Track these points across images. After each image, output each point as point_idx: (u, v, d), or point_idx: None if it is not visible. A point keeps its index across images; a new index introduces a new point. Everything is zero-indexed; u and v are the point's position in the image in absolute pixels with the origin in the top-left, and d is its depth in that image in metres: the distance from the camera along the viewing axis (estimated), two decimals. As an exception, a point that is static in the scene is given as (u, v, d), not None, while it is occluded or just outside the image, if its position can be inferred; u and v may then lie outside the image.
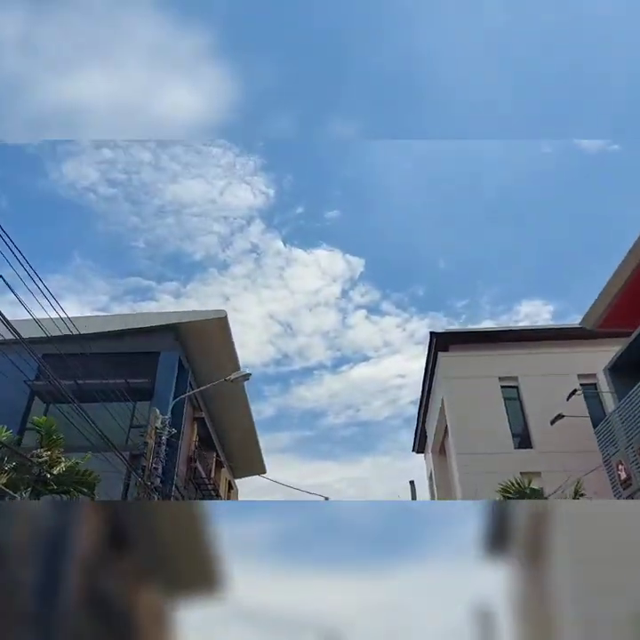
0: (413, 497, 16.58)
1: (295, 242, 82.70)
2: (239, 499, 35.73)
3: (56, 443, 10.22)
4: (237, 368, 26.24)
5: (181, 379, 22.83)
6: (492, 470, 15.76)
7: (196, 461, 24.67)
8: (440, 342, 18.82)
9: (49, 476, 9.54)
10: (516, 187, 62.32)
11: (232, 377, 13.07)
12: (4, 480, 9.13)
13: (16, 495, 8.95)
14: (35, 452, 9.90)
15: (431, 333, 18.76)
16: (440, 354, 18.94)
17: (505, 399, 17.94)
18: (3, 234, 6.75)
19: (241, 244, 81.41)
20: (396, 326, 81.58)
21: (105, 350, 20.89)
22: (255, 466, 36.63)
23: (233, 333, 24.90)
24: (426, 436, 24.16)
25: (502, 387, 18.04)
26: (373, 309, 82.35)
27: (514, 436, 17.40)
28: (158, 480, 9.17)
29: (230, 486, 33.23)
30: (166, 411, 21.14)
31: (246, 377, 13.56)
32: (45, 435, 10.04)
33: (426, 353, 20.58)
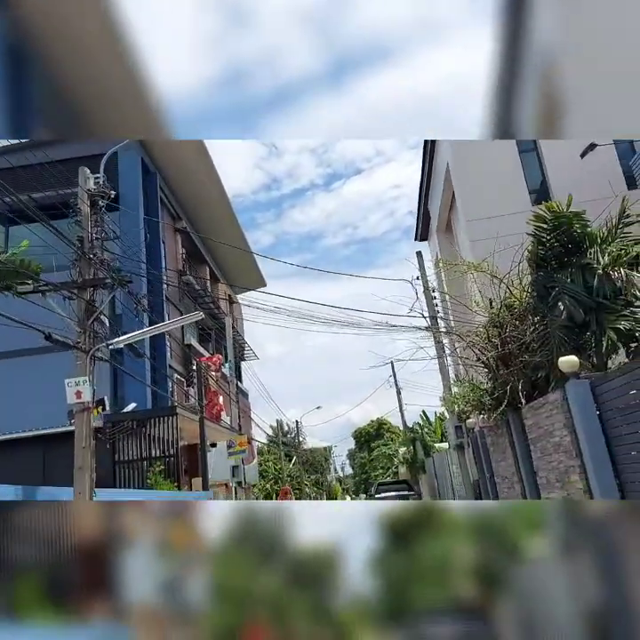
0: (421, 271, 14.95)
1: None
2: (242, 313, 35.43)
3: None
4: (213, 171, 23.45)
5: (149, 183, 20.37)
6: (507, 233, 13.98)
7: (186, 274, 23.26)
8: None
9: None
10: None
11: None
12: None
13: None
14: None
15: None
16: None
17: (520, 152, 15.51)
18: None
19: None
20: (386, 125, 75.38)
21: (54, 158, 18.02)
22: (253, 280, 35.62)
23: (215, 162, 22.03)
24: (429, 218, 22.24)
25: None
26: (360, 108, 75.41)
27: (531, 192, 15.34)
28: (106, 255, 7.27)
29: (231, 300, 32.56)
30: (137, 220, 19.07)
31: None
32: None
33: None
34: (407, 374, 52.07)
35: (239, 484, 15.63)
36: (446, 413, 13.85)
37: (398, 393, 26.81)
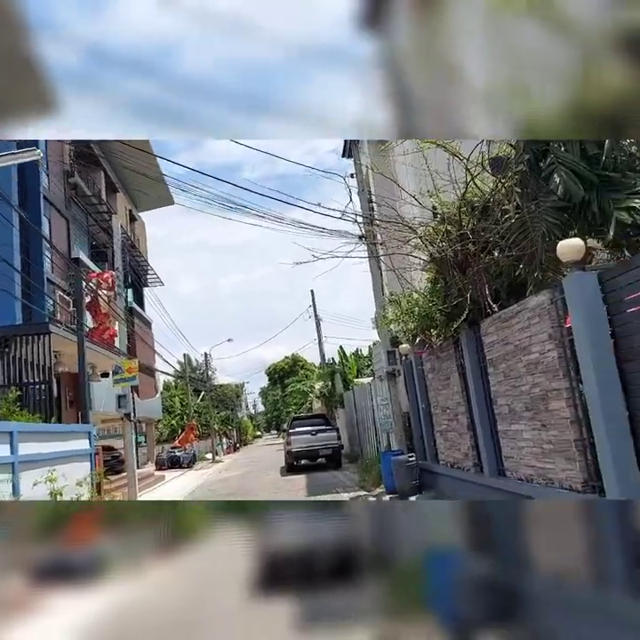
0: (357, 167, 12.70)
1: None
2: (146, 234, 31.65)
3: None
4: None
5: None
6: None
7: (74, 176, 19.52)
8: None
9: None
10: None
11: None
12: None
13: None
14: None
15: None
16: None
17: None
18: None
19: None
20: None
21: None
22: (160, 195, 31.67)
23: None
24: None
25: None
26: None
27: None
28: None
29: (132, 217, 28.67)
30: None
31: None
32: None
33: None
34: (327, 306, 50.84)
35: (128, 416, 13.23)
36: (377, 337, 12.11)
37: (317, 324, 25.04)
